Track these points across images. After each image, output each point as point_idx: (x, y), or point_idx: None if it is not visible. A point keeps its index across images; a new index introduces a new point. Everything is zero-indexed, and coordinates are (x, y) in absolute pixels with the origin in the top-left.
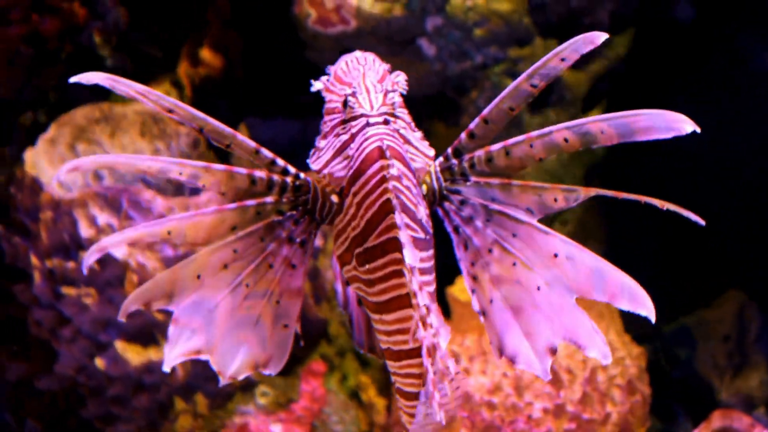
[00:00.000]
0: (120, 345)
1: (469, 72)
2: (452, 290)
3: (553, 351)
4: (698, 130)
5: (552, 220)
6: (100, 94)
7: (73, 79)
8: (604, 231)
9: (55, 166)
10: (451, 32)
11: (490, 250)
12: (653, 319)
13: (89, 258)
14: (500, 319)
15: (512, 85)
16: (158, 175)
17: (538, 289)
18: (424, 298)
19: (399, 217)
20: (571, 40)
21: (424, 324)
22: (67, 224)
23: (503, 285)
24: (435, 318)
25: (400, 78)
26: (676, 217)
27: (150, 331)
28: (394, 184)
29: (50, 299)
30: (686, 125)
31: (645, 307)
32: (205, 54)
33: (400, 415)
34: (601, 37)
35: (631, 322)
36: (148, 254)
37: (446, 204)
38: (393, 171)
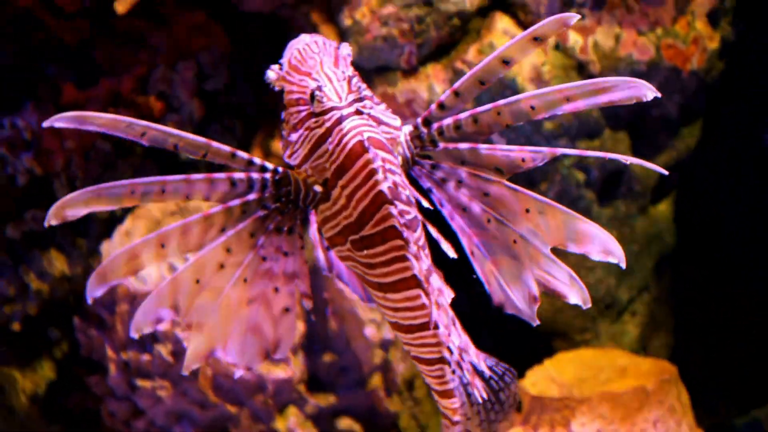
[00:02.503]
0: None
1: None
2: (523, 383)
3: (537, 298)
4: (659, 95)
5: (621, 311)
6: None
7: (45, 124)
8: (674, 322)
9: None
10: (522, 126)
11: (464, 209)
12: (623, 265)
13: (93, 289)
14: (483, 269)
15: (485, 61)
16: (145, 199)
17: (515, 242)
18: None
19: (406, 234)
20: (545, 21)
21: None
22: None
23: (481, 239)
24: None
25: (347, 50)
26: (746, 307)
27: (223, 423)
28: (394, 180)
29: (125, 391)
30: (648, 91)
31: (615, 255)
32: (277, 146)
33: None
34: (573, 18)
35: (702, 416)
36: None
37: (418, 168)
38: (380, 162)
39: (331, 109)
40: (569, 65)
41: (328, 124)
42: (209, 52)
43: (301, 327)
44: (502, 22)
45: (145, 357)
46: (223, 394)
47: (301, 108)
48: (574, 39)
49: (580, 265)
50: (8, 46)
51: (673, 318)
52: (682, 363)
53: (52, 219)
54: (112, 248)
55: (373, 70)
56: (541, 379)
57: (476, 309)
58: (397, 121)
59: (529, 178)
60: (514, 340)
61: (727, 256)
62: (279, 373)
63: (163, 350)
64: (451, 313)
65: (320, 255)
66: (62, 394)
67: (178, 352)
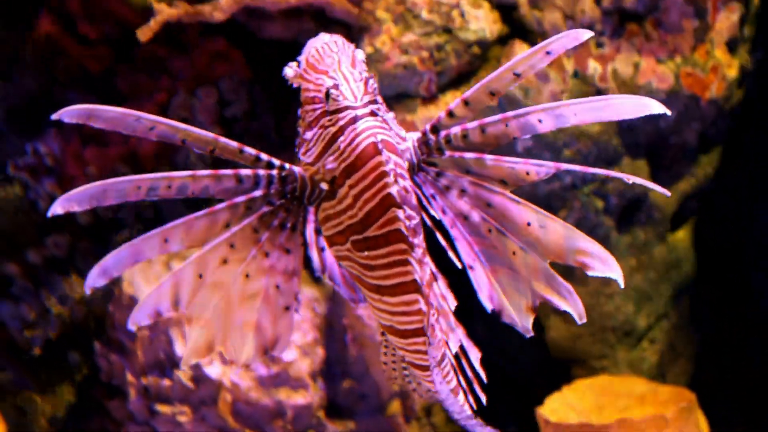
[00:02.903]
0: None
1: (558, 192)
2: (542, 410)
3: (534, 309)
4: (668, 112)
5: (640, 338)
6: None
7: (54, 116)
8: (693, 349)
9: (151, 284)
10: (541, 153)
11: (466, 218)
12: (622, 284)
13: (94, 280)
14: (482, 278)
15: (497, 72)
16: (150, 195)
17: (514, 254)
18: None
19: (411, 238)
20: (558, 36)
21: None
22: (163, 343)
23: (481, 248)
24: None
25: (362, 55)
26: (766, 335)
27: None
28: (403, 185)
29: (145, 416)
30: (654, 107)
31: (613, 271)
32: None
33: (420, 383)
34: (586, 34)
35: None
36: (242, 373)
37: (422, 174)
38: (392, 165)
39: (346, 108)
40: (589, 93)
41: (341, 123)
42: (230, 78)
43: (320, 353)
44: (522, 50)
45: (165, 382)
46: (243, 420)
47: (317, 106)
48: (594, 67)
49: (600, 292)
50: (31, 72)
51: (691, 345)
52: (702, 390)
53: (56, 209)
54: (133, 275)
55: (392, 98)
56: (560, 406)
57: (494, 337)
58: (403, 132)
59: (548, 204)
60: (533, 367)
61: (747, 283)
62: (298, 398)
63: (183, 376)
64: (452, 319)
65: (314, 255)
66: (82, 418)
67: (198, 378)
